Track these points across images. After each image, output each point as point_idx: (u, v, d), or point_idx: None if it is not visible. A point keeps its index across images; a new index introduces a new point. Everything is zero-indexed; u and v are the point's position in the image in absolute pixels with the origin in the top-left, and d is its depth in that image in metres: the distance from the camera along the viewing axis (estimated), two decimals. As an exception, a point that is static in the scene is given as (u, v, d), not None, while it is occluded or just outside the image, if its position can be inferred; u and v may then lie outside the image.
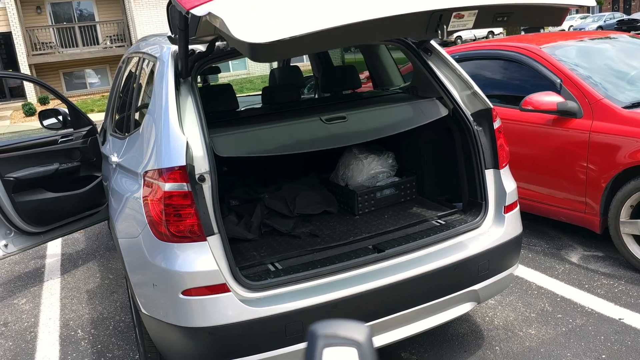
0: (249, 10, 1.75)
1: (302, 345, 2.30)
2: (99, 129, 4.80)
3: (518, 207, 2.86)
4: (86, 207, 4.65)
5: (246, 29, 1.66)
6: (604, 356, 2.89)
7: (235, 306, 2.20)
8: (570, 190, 4.08)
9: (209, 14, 1.79)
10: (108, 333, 3.67)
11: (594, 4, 2.20)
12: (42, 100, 20.78)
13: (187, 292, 2.21)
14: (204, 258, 2.21)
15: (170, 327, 2.29)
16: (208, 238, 2.22)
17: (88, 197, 4.60)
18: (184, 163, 2.20)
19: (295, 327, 2.26)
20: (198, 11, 1.84)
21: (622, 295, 3.48)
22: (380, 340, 2.47)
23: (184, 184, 2.21)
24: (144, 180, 2.42)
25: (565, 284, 3.70)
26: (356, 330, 0.95)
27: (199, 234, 2.22)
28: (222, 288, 2.21)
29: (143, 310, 2.50)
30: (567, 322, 3.24)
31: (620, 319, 3.22)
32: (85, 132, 4.71)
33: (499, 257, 2.70)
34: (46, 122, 4.72)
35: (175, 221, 2.23)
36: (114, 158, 3.13)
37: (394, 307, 2.44)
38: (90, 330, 3.73)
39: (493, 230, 2.73)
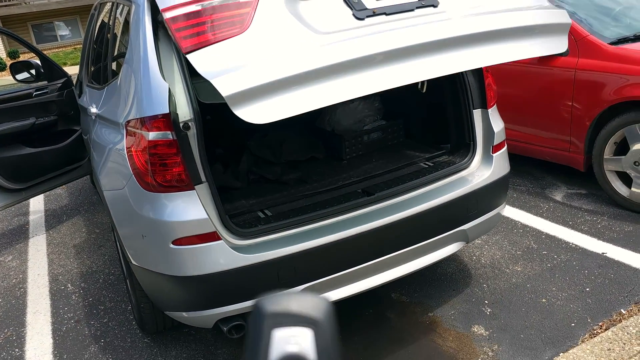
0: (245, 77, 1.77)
1: (295, 290, 2.32)
2: (74, 82, 4.65)
3: (506, 146, 2.86)
4: (66, 161, 4.56)
5: (242, 106, 1.77)
6: (587, 289, 2.97)
7: (227, 254, 2.19)
8: (555, 130, 4.09)
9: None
10: (98, 286, 3.67)
11: (564, 49, 2.29)
12: (12, 54, 20.07)
13: (177, 242, 2.19)
14: (193, 207, 2.18)
15: (162, 277, 2.29)
16: (196, 187, 2.19)
17: (68, 151, 4.50)
18: (167, 110, 2.13)
19: (287, 272, 2.27)
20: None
21: (605, 231, 3.56)
22: (371, 282, 2.50)
23: (169, 132, 2.15)
24: (127, 130, 2.35)
25: (549, 221, 3.76)
26: (312, 305, 0.78)
27: (186, 183, 2.18)
28: (213, 236, 2.19)
29: (133, 262, 2.48)
30: (552, 258, 3.31)
31: (603, 253, 3.30)
32: (60, 85, 4.55)
33: (487, 197, 2.71)
34: (19, 77, 4.54)
35: (162, 171, 2.18)
36: (93, 109, 3.04)
37: (385, 249, 2.45)
38: (80, 284, 3.73)
39: (481, 170, 2.73)
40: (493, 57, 2.11)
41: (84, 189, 5.68)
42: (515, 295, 2.99)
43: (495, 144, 2.76)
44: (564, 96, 3.94)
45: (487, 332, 2.71)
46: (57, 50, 22.61)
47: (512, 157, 4.51)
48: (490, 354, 2.57)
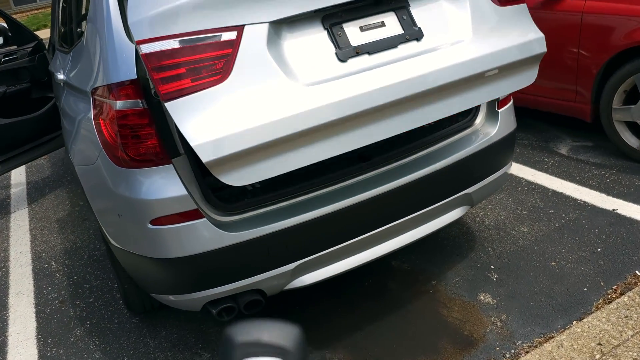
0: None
1: (288, 267, 2.13)
2: (47, 45, 4.34)
3: (512, 101, 2.63)
4: (43, 131, 4.31)
5: (222, 171, 1.78)
6: (599, 249, 2.81)
7: (211, 232, 1.99)
8: (559, 79, 3.85)
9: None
10: (83, 263, 3.49)
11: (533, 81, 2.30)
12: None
13: (156, 222, 1.99)
14: (171, 182, 1.96)
15: (143, 259, 2.10)
16: (173, 160, 1.96)
17: (44, 120, 4.25)
18: (135, 76, 1.89)
19: (278, 249, 2.08)
20: None
21: (615, 185, 3.37)
22: (370, 254, 2.31)
23: (139, 100, 1.91)
24: (93, 99, 2.11)
25: (555, 177, 3.57)
26: (283, 334, 0.77)
27: (162, 157, 1.96)
28: (195, 214, 1.98)
29: (112, 242, 2.28)
30: (560, 217, 3.14)
31: (614, 209, 3.12)
32: (31, 49, 4.25)
33: (493, 156, 2.50)
34: (-15, 42, 4.24)
35: (134, 144, 1.96)
36: (60, 75, 2.77)
37: (384, 219, 2.26)
38: (65, 261, 3.55)
39: (486, 128, 2.51)
40: (477, 98, 2.13)
41: (66, 159, 5.44)
42: (523, 258, 2.83)
43: (501, 98, 2.53)
44: (570, 42, 3.68)
45: (495, 301, 2.56)
46: (36, 11, 21.79)
47: (515, 110, 4.29)
48: (498, 324, 2.41)
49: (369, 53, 1.91)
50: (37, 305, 3.12)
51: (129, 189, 2.00)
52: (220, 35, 1.78)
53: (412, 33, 2.00)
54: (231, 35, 1.78)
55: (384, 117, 1.93)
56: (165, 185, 1.96)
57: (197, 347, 2.59)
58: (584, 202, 3.24)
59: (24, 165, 5.11)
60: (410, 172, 2.27)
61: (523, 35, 2.18)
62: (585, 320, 2.30)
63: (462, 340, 2.35)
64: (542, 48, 2.23)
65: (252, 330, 0.76)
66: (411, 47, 2.00)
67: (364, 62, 1.92)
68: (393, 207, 2.26)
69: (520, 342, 2.30)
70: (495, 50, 2.08)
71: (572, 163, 3.72)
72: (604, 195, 3.28)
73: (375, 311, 2.60)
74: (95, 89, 2.09)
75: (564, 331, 2.28)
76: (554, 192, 3.39)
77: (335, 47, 1.91)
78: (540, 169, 3.71)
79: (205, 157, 1.71)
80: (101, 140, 2.06)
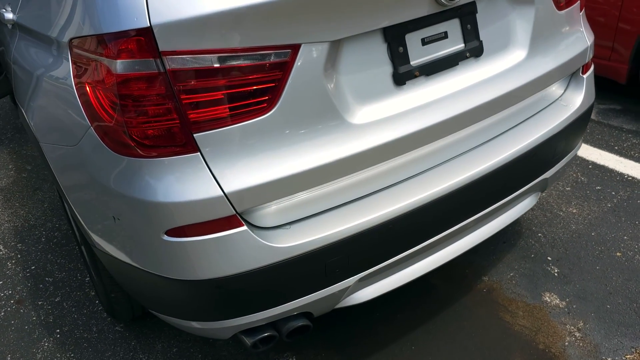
0: None
1: (348, 283, 1.63)
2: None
3: (593, 66, 2.16)
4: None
5: None
6: (664, 236, 2.47)
7: (254, 246, 1.44)
8: (594, 33, 3.41)
9: None
10: (41, 247, 2.84)
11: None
12: None
13: (174, 232, 1.42)
14: (197, 179, 1.38)
15: (153, 276, 1.53)
16: (201, 147, 1.38)
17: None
18: (146, 23, 1.26)
19: (339, 263, 1.56)
20: None
21: (659, 157, 3.04)
22: (437, 260, 1.86)
23: (151, 59, 1.30)
24: (72, 53, 1.46)
25: (592, 146, 3.19)
26: None
27: (184, 141, 1.36)
28: (232, 222, 1.42)
29: (101, 247, 1.69)
30: (610, 195, 2.77)
31: (668, 187, 2.79)
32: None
33: (575, 131, 2.05)
34: None
35: (143, 123, 1.35)
36: (8, 14, 2.05)
37: (458, 216, 1.78)
38: (16, 244, 2.88)
39: (572, 97, 2.04)
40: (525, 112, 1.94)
41: (4, 111, 4.59)
42: (581, 247, 2.44)
43: (586, 61, 2.05)
44: (611, -9, 3.23)
45: (564, 303, 2.17)
46: None
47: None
48: (577, 334, 2.03)
49: (427, 74, 1.64)
50: (-14, 306, 2.48)
51: (133, 187, 1.41)
52: (271, 55, 1.36)
53: (473, 49, 1.72)
54: (284, 56, 1.38)
55: (432, 152, 1.74)
56: (189, 183, 1.38)
57: (206, 366, 2.08)
58: (632, 177, 2.89)
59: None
60: (491, 158, 1.78)
61: (575, 47, 1.98)
62: (685, 332, 1.96)
63: (539, 356, 1.96)
64: (585, 60, 2.04)
65: None
66: (470, 67, 1.73)
67: (422, 88, 1.64)
68: (470, 202, 1.78)
69: (609, 359, 1.93)
70: (549, 70, 1.87)
71: (606, 130, 3.35)
72: (651, 169, 2.94)
73: (425, 317, 2.16)
74: (75, 40, 1.44)
75: (656, 344, 1.94)
76: (595, 165, 3.01)
77: (393, 68, 1.57)
78: (571, 136, 3.31)
79: (239, 207, 1.40)
80: (88, 114, 1.44)
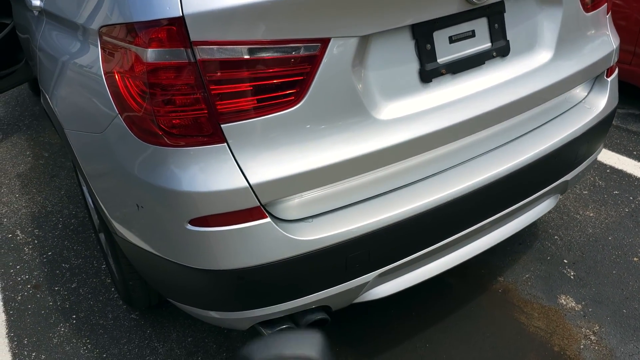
0: None
1: (367, 278, 1.63)
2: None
3: (617, 69, 2.15)
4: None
5: None
6: (682, 243, 2.45)
7: (278, 238, 1.45)
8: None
9: None
10: (57, 234, 2.87)
11: None
12: None
13: (198, 222, 1.43)
14: (223, 169, 1.39)
15: (174, 265, 1.54)
16: (228, 137, 1.38)
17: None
18: (179, 13, 1.27)
19: (360, 257, 1.57)
20: None
21: (678, 163, 3.01)
22: (455, 258, 1.86)
23: (182, 49, 1.30)
24: (103, 41, 1.47)
25: (610, 150, 3.17)
26: (304, 344, 0.77)
27: (211, 132, 1.37)
28: (256, 213, 1.43)
29: (122, 235, 1.71)
30: (628, 200, 2.75)
31: (686, 194, 2.77)
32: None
33: (598, 135, 2.04)
34: None
35: (171, 112, 1.36)
36: (36, 1, 2.06)
37: (480, 215, 1.78)
38: (33, 230, 2.91)
39: (596, 99, 2.03)
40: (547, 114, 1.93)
41: (21, 96, 4.62)
42: (598, 251, 2.43)
43: (611, 63, 2.04)
44: (635, -5, 3.20)
45: (580, 306, 2.16)
46: None
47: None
48: (592, 337, 2.03)
49: (453, 72, 1.63)
50: (3, 290, 2.51)
51: (159, 175, 1.42)
52: (301, 48, 1.37)
53: (500, 48, 1.71)
54: (313, 49, 1.38)
55: (455, 150, 1.73)
56: (214, 173, 1.39)
57: (221, 356, 2.09)
58: (650, 182, 2.87)
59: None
60: (513, 159, 1.78)
61: (600, 49, 1.96)
62: (702, 339, 1.95)
63: (554, 358, 1.96)
64: (610, 63, 2.03)
65: (271, 346, 0.77)
66: (496, 66, 1.72)
67: (448, 86, 1.64)
68: (491, 202, 1.78)
69: (625, 364, 1.93)
70: (574, 72, 1.86)
71: (624, 134, 3.33)
72: (670, 175, 2.91)
73: (440, 315, 2.16)
74: (105, 28, 1.45)
75: (673, 350, 1.92)
76: (613, 169, 3.00)
77: (420, 65, 1.57)
78: (589, 139, 3.29)
79: (264, 198, 1.41)
80: (117, 102, 1.45)
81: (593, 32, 1.94)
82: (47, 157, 3.65)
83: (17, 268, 2.64)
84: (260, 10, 1.30)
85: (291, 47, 1.37)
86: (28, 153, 3.72)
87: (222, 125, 1.36)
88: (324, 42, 1.39)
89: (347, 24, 1.40)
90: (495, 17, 1.68)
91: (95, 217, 2.35)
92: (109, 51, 1.45)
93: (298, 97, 1.40)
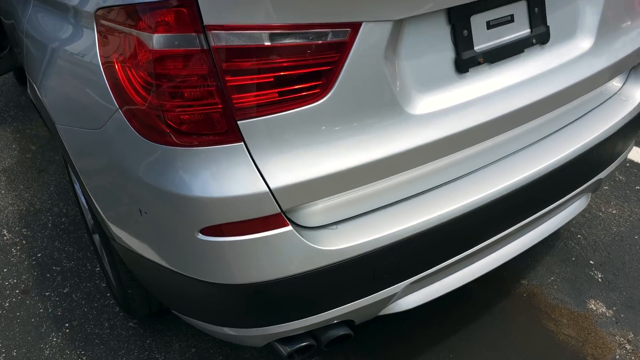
0: None
1: (396, 289, 1.48)
2: None
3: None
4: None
5: None
6: None
7: (300, 248, 1.29)
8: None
9: None
10: (47, 234, 2.68)
11: None
12: None
13: (211, 231, 1.26)
14: (241, 172, 1.22)
15: (182, 277, 1.38)
16: (245, 136, 1.22)
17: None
18: (189, -9, 1.10)
19: (388, 268, 1.42)
20: None
21: (700, 157, 2.89)
22: (484, 266, 1.72)
23: (194, 35, 1.13)
24: (99, 25, 1.30)
25: (627, 143, 3.04)
26: None
27: (226, 129, 1.20)
28: (276, 221, 1.27)
29: (120, 241, 1.54)
30: (651, 196, 2.63)
31: None
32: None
33: (634, 129, 1.91)
34: None
35: (179, 107, 1.19)
36: (21, -20, 1.87)
37: (512, 219, 1.64)
38: (21, 229, 2.72)
39: (630, 90, 1.89)
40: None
41: (6, 85, 4.39)
42: (625, 251, 2.30)
43: (646, 52, 1.89)
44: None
45: (611, 312, 2.03)
46: None
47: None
48: (627, 347, 1.90)
49: (491, 62, 1.48)
50: (-10, 295, 2.33)
51: (166, 179, 1.25)
52: (328, 34, 1.20)
53: (539, 35, 1.56)
54: (343, 35, 1.21)
55: (489, 148, 1.59)
56: (231, 176, 1.22)
57: (228, 369, 1.94)
58: (673, 177, 2.74)
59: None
60: (551, 156, 1.63)
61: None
62: None
63: (587, 370, 1.83)
64: None
65: None
66: (535, 55, 1.57)
67: (485, 76, 1.48)
68: (527, 203, 1.63)
69: (664, 375, 1.80)
70: (615, 62, 1.72)
71: (641, 126, 3.19)
72: (692, 169, 2.79)
73: (463, 322, 2.02)
74: (106, 10, 1.27)
75: None
76: (633, 163, 2.87)
77: (455, 54, 1.41)
78: (605, 131, 3.16)
79: (285, 204, 1.25)
80: (116, 95, 1.27)
81: (635, 18, 1.79)
82: (35, 150, 3.44)
83: (4, 271, 2.45)
84: None
85: (318, 32, 1.20)
86: (14, 146, 3.51)
87: (238, 122, 1.19)
88: (355, 27, 1.23)
89: (380, 7, 1.23)
90: (536, 1, 1.52)
91: (88, 217, 2.18)
92: (108, 37, 1.27)
93: (324, 89, 1.24)
